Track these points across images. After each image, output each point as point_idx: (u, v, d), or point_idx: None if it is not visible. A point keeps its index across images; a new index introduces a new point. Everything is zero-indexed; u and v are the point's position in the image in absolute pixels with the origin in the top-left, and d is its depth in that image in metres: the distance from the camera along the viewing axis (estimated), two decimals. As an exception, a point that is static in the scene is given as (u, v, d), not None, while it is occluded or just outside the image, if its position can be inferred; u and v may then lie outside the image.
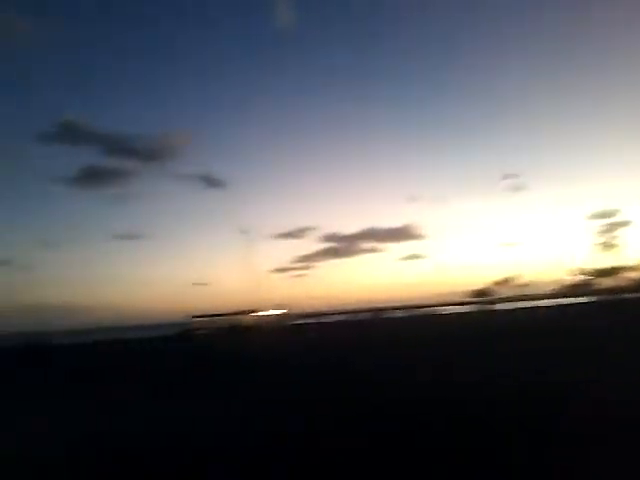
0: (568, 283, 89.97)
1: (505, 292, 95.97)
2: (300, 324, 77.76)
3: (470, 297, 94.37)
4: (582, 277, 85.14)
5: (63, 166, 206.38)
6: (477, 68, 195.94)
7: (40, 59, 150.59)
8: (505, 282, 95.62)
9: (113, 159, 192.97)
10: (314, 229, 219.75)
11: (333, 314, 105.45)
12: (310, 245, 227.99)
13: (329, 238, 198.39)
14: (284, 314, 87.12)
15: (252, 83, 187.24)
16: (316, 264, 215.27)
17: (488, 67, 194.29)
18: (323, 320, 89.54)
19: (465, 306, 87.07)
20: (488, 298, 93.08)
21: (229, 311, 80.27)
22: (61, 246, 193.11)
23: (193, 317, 79.54)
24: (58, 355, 41.48)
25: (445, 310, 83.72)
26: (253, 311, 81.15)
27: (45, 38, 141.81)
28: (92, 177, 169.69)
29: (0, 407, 14.44)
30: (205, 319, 78.08)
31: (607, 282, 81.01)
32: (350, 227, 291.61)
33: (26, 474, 7.00)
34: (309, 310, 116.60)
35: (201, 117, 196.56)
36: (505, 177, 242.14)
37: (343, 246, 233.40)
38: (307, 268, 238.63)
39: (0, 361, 37.54)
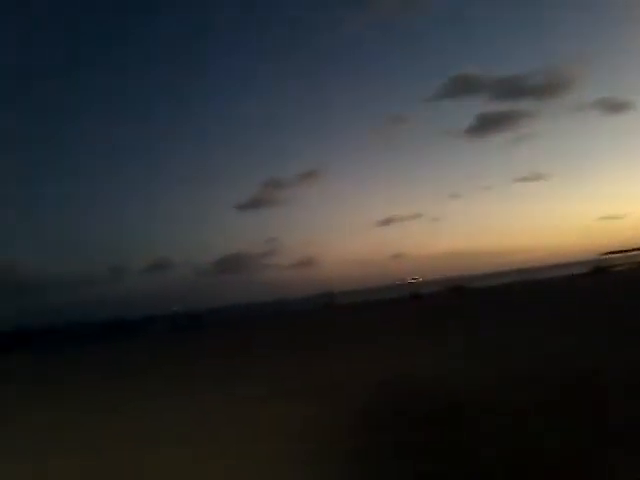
0: None
1: None
2: None
3: None
4: None
5: (459, 118, 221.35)
6: None
7: (433, 26, 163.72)
8: None
9: (506, 103, 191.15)
10: None
11: None
12: None
13: None
14: None
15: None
16: None
17: None
18: None
19: None
20: None
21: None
22: (464, 195, 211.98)
23: (605, 254, 73.04)
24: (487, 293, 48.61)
25: None
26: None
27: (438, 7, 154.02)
28: (487, 124, 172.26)
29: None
30: (620, 254, 70.34)
31: None
32: None
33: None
34: None
35: (592, 41, 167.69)
36: None
37: None
38: None
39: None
